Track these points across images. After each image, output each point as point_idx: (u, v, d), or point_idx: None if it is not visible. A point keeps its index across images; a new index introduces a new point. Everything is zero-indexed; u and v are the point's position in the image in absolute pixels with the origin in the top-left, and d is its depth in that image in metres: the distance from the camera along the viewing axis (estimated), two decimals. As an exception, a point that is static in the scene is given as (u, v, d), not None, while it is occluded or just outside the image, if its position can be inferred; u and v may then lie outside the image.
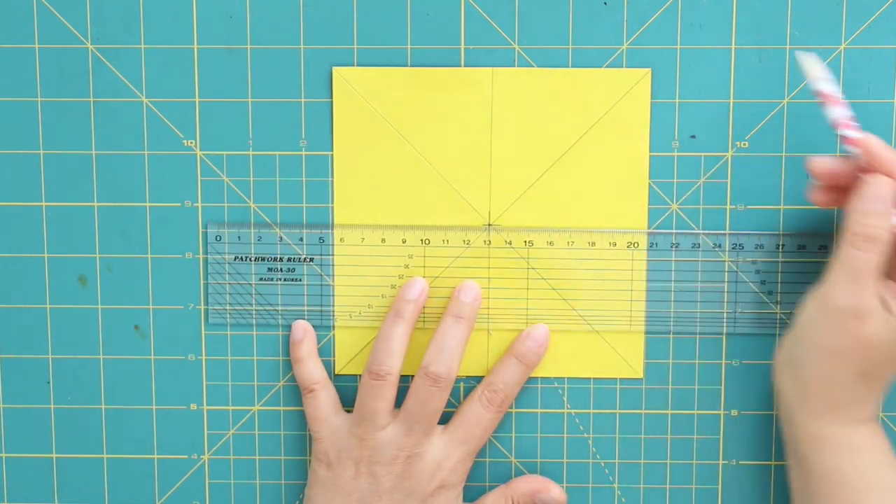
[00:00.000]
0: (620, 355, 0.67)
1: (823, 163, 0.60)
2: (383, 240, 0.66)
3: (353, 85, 0.65)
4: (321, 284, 0.67)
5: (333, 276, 0.67)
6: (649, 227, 0.66)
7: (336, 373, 0.68)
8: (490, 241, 0.66)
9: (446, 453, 0.64)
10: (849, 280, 0.58)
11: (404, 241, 0.66)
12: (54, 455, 0.69)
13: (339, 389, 0.68)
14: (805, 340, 0.60)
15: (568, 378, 0.68)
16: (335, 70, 0.65)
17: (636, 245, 0.66)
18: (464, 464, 0.65)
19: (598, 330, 0.67)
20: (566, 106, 0.65)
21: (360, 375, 0.68)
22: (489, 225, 0.66)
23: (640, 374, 0.67)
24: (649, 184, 0.66)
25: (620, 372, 0.67)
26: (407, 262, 0.67)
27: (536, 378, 0.68)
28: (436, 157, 0.66)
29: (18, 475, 0.69)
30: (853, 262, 0.58)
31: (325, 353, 0.68)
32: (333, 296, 0.67)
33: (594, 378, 0.68)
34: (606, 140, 0.65)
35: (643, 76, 0.65)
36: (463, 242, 0.66)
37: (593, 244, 0.66)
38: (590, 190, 0.66)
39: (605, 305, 0.66)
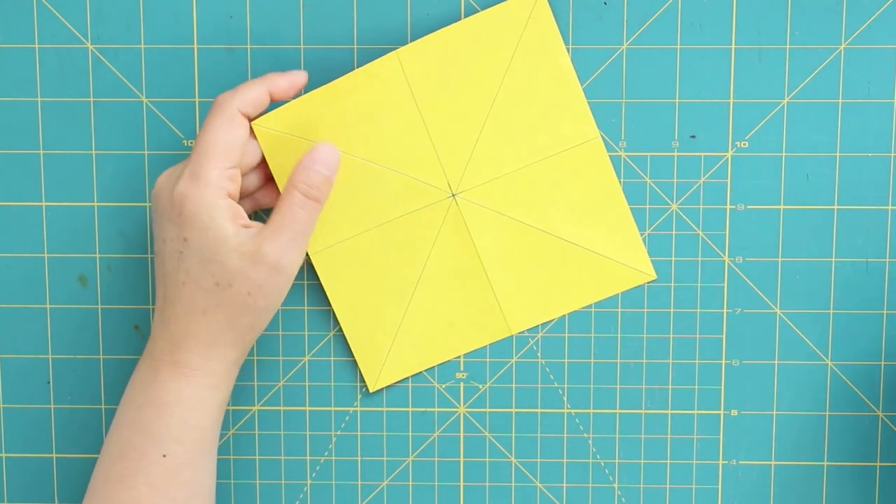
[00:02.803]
0: (626, 265, 0.66)
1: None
2: (367, 244, 0.66)
3: (277, 129, 0.63)
4: (321, 283, 0.67)
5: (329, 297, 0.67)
6: (649, 228, 0.66)
7: (371, 390, 0.68)
8: (461, 209, 0.66)
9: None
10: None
11: (386, 240, 0.66)
12: (54, 455, 0.69)
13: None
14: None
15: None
16: (254, 125, 0.63)
17: (594, 153, 0.65)
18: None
19: (597, 251, 0.66)
20: (476, 55, 0.64)
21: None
22: (453, 195, 0.66)
23: (653, 275, 0.67)
24: (589, 101, 0.66)
25: (633, 281, 0.67)
26: (392, 257, 0.66)
27: (536, 379, 0.68)
28: (380, 155, 0.65)
29: (18, 475, 0.69)
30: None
31: (325, 354, 0.68)
32: (335, 314, 0.67)
33: (592, 402, 0.68)
34: (528, 72, 0.64)
35: (535, 2, 0.64)
36: (436, 220, 0.66)
37: (555, 171, 0.65)
38: (532, 124, 0.65)
39: (595, 225, 0.66)
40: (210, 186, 0.59)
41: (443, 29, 0.64)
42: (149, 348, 0.61)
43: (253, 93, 0.61)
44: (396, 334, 0.67)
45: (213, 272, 0.59)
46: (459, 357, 0.68)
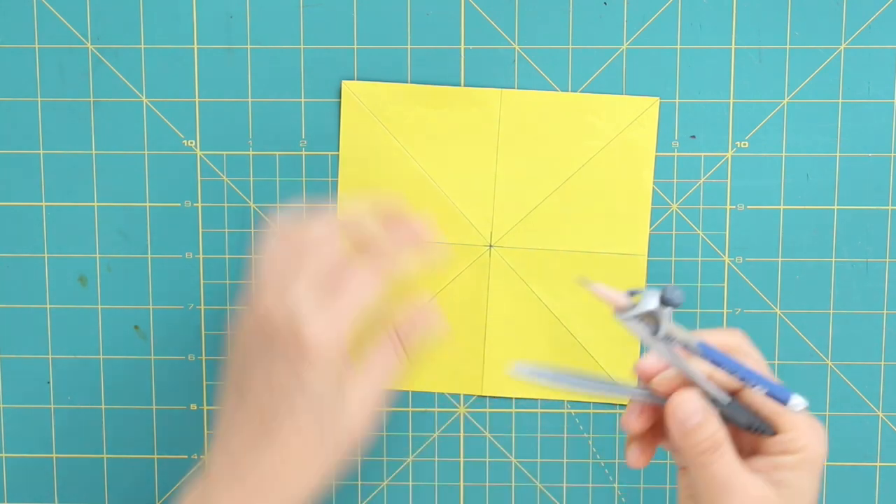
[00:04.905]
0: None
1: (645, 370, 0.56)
2: None
3: (361, 99, 0.65)
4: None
5: None
6: (649, 228, 0.66)
7: None
8: (491, 262, 0.66)
9: None
10: (725, 492, 0.53)
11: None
12: (54, 455, 0.69)
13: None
14: None
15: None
16: (344, 84, 0.65)
17: (636, 268, 0.66)
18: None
19: (594, 356, 0.67)
20: (573, 131, 0.65)
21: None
22: (490, 245, 0.66)
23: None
24: (651, 209, 0.66)
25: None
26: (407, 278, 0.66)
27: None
28: (441, 175, 0.65)
29: (18, 475, 0.69)
30: (716, 476, 0.53)
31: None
32: None
33: (592, 403, 0.68)
34: (611, 166, 0.65)
35: (651, 105, 0.65)
36: (464, 262, 0.66)
37: (593, 267, 0.66)
38: (592, 214, 0.66)
39: (602, 330, 0.66)
40: (344, 339, 0.54)
41: (555, 92, 0.64)
42: (209, 497, 0.54)
43: (408, 266, 0.57)
44: None
45: (320, 419, 0.54)
46: (431, 391, 0.68)
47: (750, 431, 0.55)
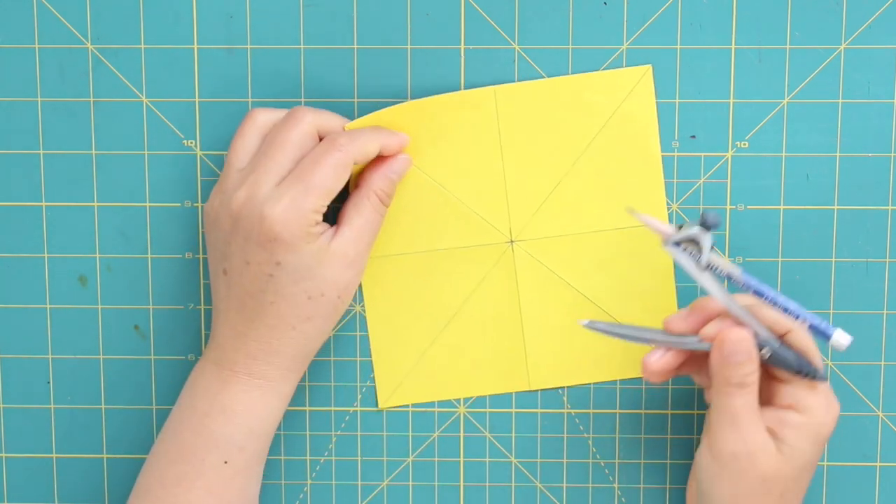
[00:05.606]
0: None
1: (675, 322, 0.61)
2: (417, 265, 0.66)
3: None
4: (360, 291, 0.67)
5: (363, 302, 0.67)
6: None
7: (380, 407, 0.68)
8: (515, 257, 0.66)
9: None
10: (732, 425, 0.59)
11: (435, 266, 0.66)
12: (54, 455, 0.69)
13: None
14: (711, 492, 0.60)
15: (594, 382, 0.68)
16: (346, 128, 0.62)
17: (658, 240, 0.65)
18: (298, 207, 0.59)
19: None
20: (572, 113, 0.65)
21: (405, 405, 0.68)
22: (512, 241, 0.66)
23: None
24: (664, 180, 0.66)
25: None
26: (436, 285, 0.66)
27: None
28: (450, 180, 0.65)
29: (18, 475, 0.69)
30: (732, 409, 0.58)
31: (325, 353, 0.68)
32: (367, 322, 0.67)
33: (592, 402, 0.68)
34: (617, 140, 0.65)
35: (644, 73, 0.65)
36: (489, 262, 0.66)
37: (616, 244, 0.65)
38: (607, 192, 0.65)
39: (636, 305, 0.66)
40: (310, 218, 0.59)
41: (546, 78, 0.64)
42: (215, 357, 0.62)
43: (370, 148, 0.61)
44: (420, 360, 0.67)
45: (306, 288, 0.60)
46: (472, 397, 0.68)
47: (801, 375, 0.59)
